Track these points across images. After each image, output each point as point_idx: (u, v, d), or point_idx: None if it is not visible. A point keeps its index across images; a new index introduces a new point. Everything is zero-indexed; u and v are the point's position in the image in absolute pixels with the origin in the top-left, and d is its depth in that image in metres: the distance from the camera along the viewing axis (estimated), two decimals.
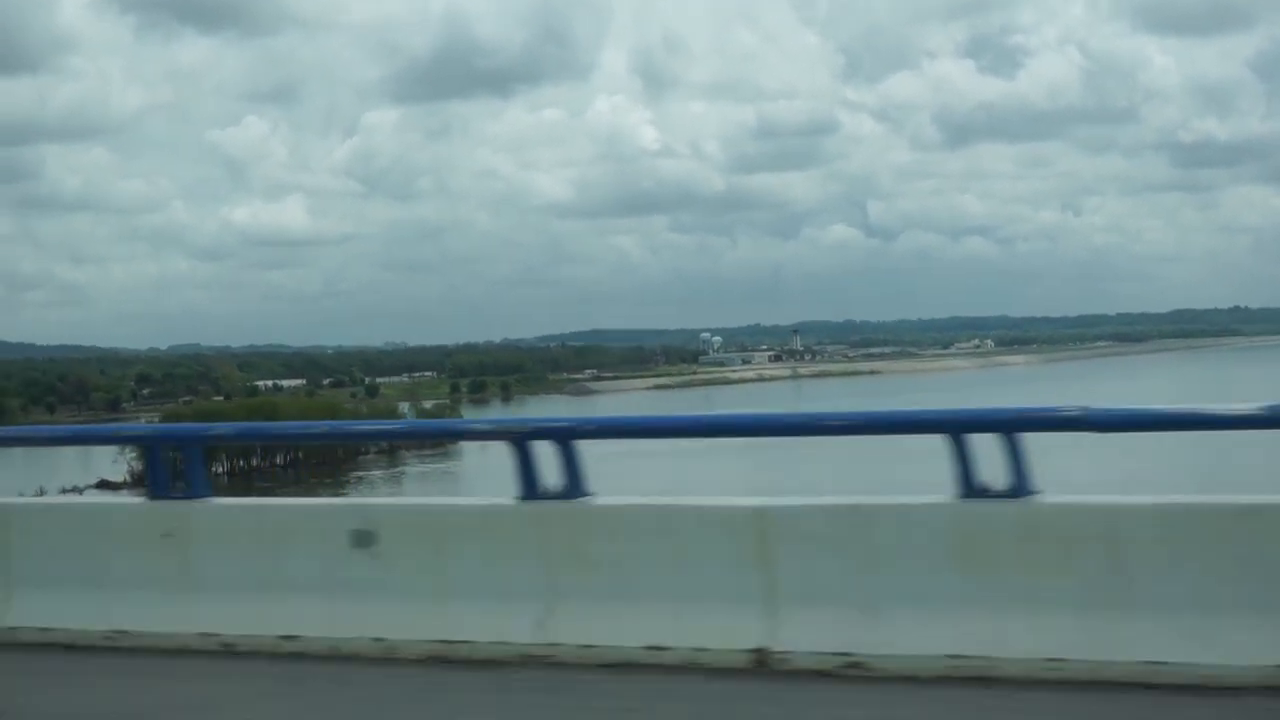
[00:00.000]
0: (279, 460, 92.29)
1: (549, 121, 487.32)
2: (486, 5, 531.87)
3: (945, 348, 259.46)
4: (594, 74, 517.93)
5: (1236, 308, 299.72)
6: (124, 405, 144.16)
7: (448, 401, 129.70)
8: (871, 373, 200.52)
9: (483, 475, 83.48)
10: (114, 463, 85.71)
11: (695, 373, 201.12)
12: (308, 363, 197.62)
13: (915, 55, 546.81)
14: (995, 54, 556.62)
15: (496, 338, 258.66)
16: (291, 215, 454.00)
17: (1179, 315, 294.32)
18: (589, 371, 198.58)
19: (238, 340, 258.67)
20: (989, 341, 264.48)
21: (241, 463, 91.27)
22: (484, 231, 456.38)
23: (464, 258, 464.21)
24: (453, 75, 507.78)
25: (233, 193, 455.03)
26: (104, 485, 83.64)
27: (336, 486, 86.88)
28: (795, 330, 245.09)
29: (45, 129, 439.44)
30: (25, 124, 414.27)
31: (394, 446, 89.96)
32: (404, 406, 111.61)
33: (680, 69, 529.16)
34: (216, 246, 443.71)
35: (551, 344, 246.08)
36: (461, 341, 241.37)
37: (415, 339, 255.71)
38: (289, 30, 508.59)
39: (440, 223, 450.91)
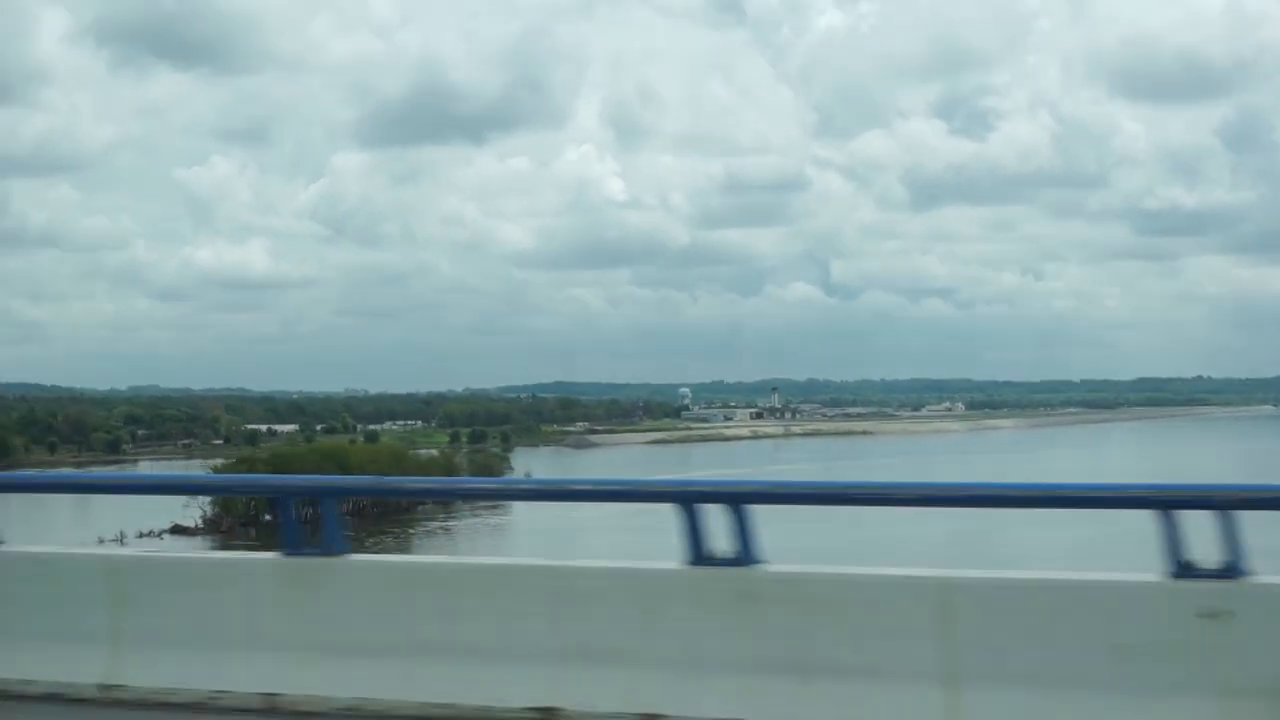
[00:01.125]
0: (345, 509, 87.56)
1: (518, 170, 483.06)
2: (465, 50, 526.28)
3: (916, 409, 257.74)
4: (567, 123, 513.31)
5: (1199, 377, 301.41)
6: (124, 448, 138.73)
7: (499, 451, 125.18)
8: (865, 433, 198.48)
9: (530, 532, 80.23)
10: (185, 507, 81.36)
11: (689, 429, 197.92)
12: (291, 407, 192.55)
13: (888, 114, 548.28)
14: (967, 115, 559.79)
15: (458, 387, 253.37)
16: (253, 257, 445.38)
17: (1143, 384, 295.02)
18: (581, 424, 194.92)
19: (197, 382, 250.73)
20: (959, 405, 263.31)
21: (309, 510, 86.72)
22: (446, 278, 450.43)
23: (425, 304, 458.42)
24: (426, 119, 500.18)
25: (196, 233, 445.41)
26: (178, 530, 79.35)
27: (405, 539, 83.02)
28: (774, 388, 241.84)
29: (13, 162, 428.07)
30: None
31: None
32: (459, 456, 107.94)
33: (653, 120, 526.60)
34: (177, 287, 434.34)
35: (520, 395, 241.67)
36: (425, 390, 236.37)
37: (375, 386, 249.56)
38: (264, 69, 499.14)
39: (403, 269, 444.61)
